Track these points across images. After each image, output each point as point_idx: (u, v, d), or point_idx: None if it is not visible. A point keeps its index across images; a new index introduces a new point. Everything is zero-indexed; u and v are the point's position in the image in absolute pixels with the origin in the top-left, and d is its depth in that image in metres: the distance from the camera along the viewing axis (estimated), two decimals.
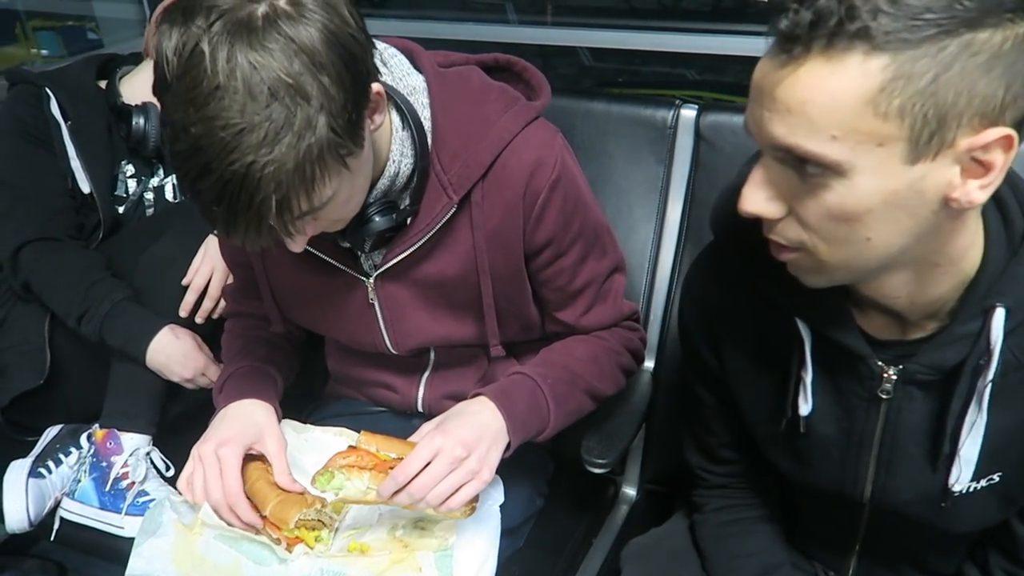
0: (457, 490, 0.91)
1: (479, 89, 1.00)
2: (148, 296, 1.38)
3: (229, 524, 0.99)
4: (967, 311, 0.76)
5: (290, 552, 0.99)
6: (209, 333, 1.39)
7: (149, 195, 1.56)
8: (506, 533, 1.07)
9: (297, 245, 0.88)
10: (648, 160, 1.37)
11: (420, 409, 1.22)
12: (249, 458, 1.03)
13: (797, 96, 0.62)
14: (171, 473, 1.39)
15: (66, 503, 1.38)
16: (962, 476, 0.81)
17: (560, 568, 1.25)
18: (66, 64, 1.59)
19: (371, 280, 1.06)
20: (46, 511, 1.36)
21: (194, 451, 1.01)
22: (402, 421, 1.23)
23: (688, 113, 1.35)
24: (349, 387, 1.30)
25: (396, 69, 0.99)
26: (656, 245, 1.38)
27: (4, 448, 1.43)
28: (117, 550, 1.28)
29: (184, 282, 1.36)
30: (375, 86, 0.83)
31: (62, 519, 1.37)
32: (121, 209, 1.53)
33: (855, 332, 0.81)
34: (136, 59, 1.59)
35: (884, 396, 0.82)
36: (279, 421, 1.09)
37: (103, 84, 1.54)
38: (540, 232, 1.00)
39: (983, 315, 0.75)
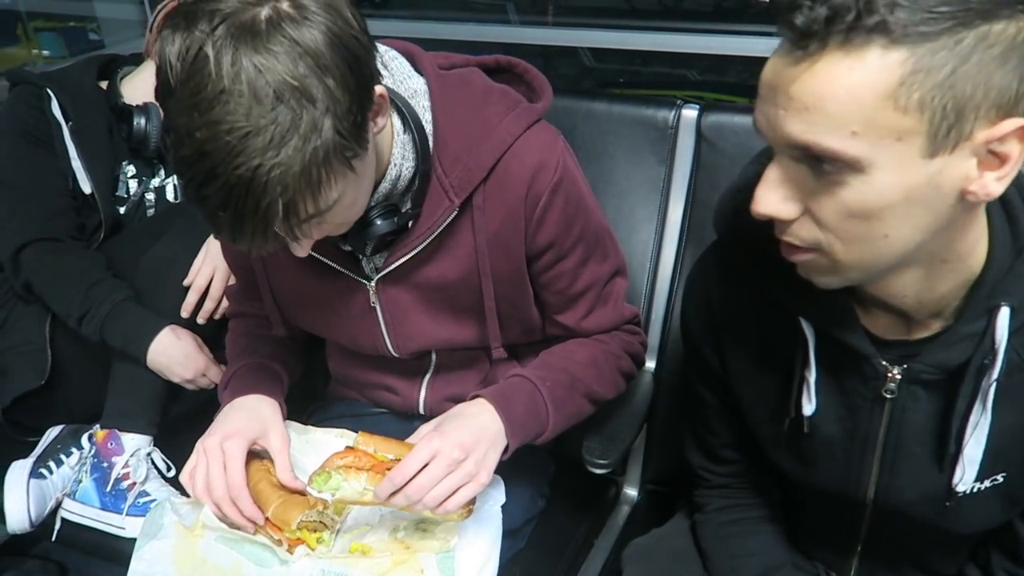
0: (454, 492, 0.91)
1: (480, 91, 1.00)
2: (149, 296, 1.38)
3: (230, 518, 0.98)
4: (972, 310, 0.76)
5: (291, 553, 0.99)
6: (210, 334, 1.39)
7: (150, 195, 1.56)
8: (508, 534, 1.06)
9: (302, 249, 0.88)
10: (649, 160, 1.37)
11: (421, 411, 1.22)
12: (251, 458, 1.03)
13: (815, 92, 0.62)
14: (172, 474, 1.39)
15: (67, 504, 1.38)
16: (966, 476, 0.81)
17: (561, 569, 1.25)
18: (67, 65, 1.59)
19: (373, 283, 1.06)
20: (47, 512, 1.36)
21: (199, 444, 1.00)
22: (403, 423, 1.23)
23: (689, 113, 1.35)
24: (350, 389, 1.30)
25: (397, 72, 0.98)
26: (657, 245, 1.37)
27: (5, 448, 1.43)
28: (118, 550, 1.28)
29: (185, 283, 1.36)
30: (378, 88, 0.83)
31: (63, 520, 1.37)
32: (122, 209, 1.53)
33: (859, 331, 0.80)
34: (137, 60, 1.60)
35: (888, 396, 0.82)
36: (284, 418, 1.09)
37: (104, 85, 1.54)
38: (541, 235, 1.00)
39: (988, 314, 0.75)
